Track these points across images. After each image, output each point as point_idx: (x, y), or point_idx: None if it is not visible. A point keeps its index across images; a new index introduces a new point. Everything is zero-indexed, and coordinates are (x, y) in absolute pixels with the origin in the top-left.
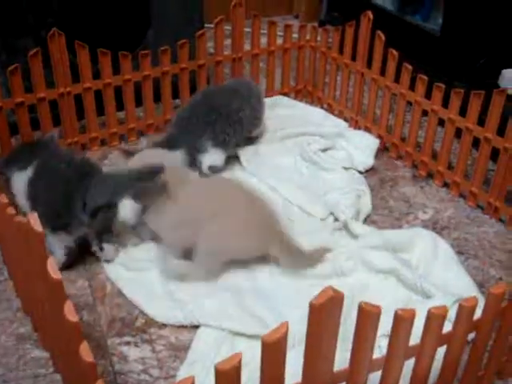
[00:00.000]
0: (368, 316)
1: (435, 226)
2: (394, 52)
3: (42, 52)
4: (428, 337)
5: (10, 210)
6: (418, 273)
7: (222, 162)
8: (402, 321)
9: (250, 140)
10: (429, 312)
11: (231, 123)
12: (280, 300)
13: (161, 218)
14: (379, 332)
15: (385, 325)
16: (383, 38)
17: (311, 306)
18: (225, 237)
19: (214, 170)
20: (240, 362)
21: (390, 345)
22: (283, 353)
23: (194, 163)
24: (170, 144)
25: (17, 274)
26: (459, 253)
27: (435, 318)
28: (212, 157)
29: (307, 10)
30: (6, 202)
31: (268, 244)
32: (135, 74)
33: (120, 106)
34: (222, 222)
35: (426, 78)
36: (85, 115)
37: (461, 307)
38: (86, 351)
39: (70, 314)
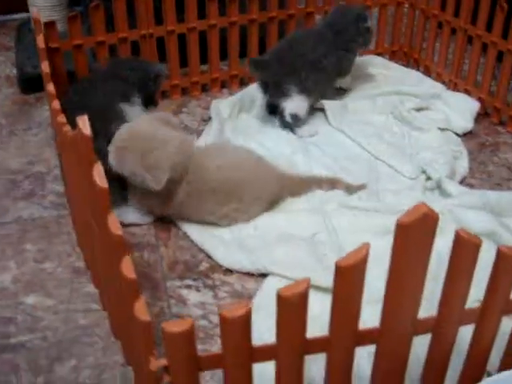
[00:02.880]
0: (464, 246)
1: None
2: (504, 4)
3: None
4: None
5: (61, 118)
6: None
7: (304, 112)
8: (505, 259)
9: (338, 94)
10: None
11: (315, 70)
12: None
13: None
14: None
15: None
16: None
17: (398, 225)
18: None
19: (295, 118)
20: (306, 288)
21: (488, 292)
22: (360, 281)
23: (274, 111)
24: None
25: (73, 205)
26: None
27: None
28: (295, 103)
29: None
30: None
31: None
32: (221, 19)
33: (203, 59)
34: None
35: None
36: (167, 60)
37: None
38: (128, 266)
39: (114, 225)
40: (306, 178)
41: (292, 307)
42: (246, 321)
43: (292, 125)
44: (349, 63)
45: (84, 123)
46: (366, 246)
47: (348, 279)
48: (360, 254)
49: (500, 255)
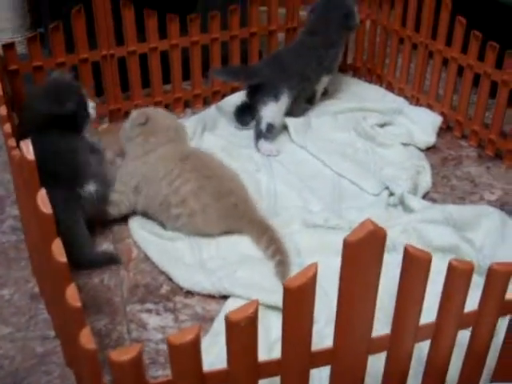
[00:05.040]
0: (414, 261)
1: (503, 208)
2: (462, 19)
3: (87, 15)
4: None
5: (11, 142)
6: (483, 253)
7: (279, 124)
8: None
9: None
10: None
11: (302, 80)
12: (321, 274)
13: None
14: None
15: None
16: (449, 4)
17: (345, 244)
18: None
19: (270, 128)
20: (255, 312)
21: (441, 306)
22: (309, 301)
23: (244, 119)
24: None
25: (26, 230)
26: None
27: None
28: (274, 113)
29: None
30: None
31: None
32: (183, 39)
33: (166, 78)
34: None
35: (497, 45)
36: (128, 81)
37: None
38: (73, 295)
39: (58, 252)
40: (264, 228)
41: (241, 331)
42: (194, 346)
43: (264, 135)
44: (331, 59)
45: (27, 148)
46: (313, 266)
47: (297, 300)
48: (308, 274)
49: (451, 269)
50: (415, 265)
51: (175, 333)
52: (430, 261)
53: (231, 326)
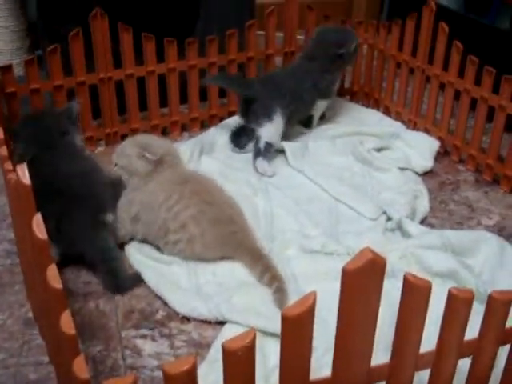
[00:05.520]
0: (413, 290)
1: (501, 233)
2: (459, 44)
3: (85, 38)
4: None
5: (7, 165)
6: (482, 279)
7: (278, 142)
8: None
9: (299, 134)
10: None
11: (295, 100)
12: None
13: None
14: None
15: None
16: (447, 29)
17: (344, 272)
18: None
19: (269, 147)
20: (252, 341)
21: (441, 334)
22: (308, 329)
23: (240, 142)
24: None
25: (21, 254)
26: None
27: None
28: (271, 133)
29: (367, 15)
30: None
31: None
32: (180, 62)
33: (163, 101)
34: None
35: (493, 70)
36: (125, 104)
37: None
38: (67, 322)
39: (54, 278)
40: (260, 256)
41: (238, 360)
42: (190, 376)
43: (263, 154)
44: (326, 83)
45: (23, 172)
46: (312, 295)
47: (295, 329)
48: (307, 302)
49: (450, 297)
50: (415, 293)
51: (170, 360)
52: (429, 289)
53: (228, 355)
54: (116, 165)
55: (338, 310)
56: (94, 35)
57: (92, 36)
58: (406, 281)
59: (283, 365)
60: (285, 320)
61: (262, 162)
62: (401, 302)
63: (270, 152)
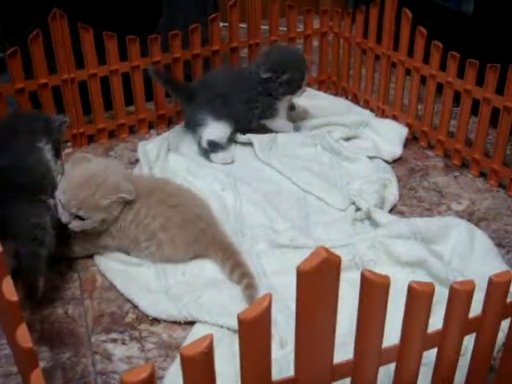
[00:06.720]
0: (371, 286)
1: (471, 218)
2: (423, 30)
3: (45, 40)
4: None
5: None
6: (452, 267)
7: (223, 139)
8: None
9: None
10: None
11: (225, 104)
12: (289, 295)
13: None
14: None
15: None
16: (410, 15)
17: (298, 273)
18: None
19: (213, 144)
20: (210, 346)
21: (404, 328)
22: (265, 332)
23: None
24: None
25: None
26: (499, 246)
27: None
28: (211, 130)
29: (333, 3)
30: None
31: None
32: (144, 60)
33: (129, 100)
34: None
35: (458, 55)
36: (90, 105)
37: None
38: (23, 334)
39: (9, 291)
40: (231, 252)
41: (196, 366)
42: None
43: (208, 151)
44: (265, 107)
45: None
46: (267, 296)
47: (252, 332)
48: (262, 304)
49: (410, 291)
50: (373, 290)
51: (140, 364)
52: (388, 285)
53: (186, 361)
54: (85, 219)
55: (296, 311)
56: (54, 36)
57: (52, 37)
58: (363, 277)
59: (244, 369)
60: (241, 324)
61: (215, 156)
62: (359, 299)
63: (216, 146)
